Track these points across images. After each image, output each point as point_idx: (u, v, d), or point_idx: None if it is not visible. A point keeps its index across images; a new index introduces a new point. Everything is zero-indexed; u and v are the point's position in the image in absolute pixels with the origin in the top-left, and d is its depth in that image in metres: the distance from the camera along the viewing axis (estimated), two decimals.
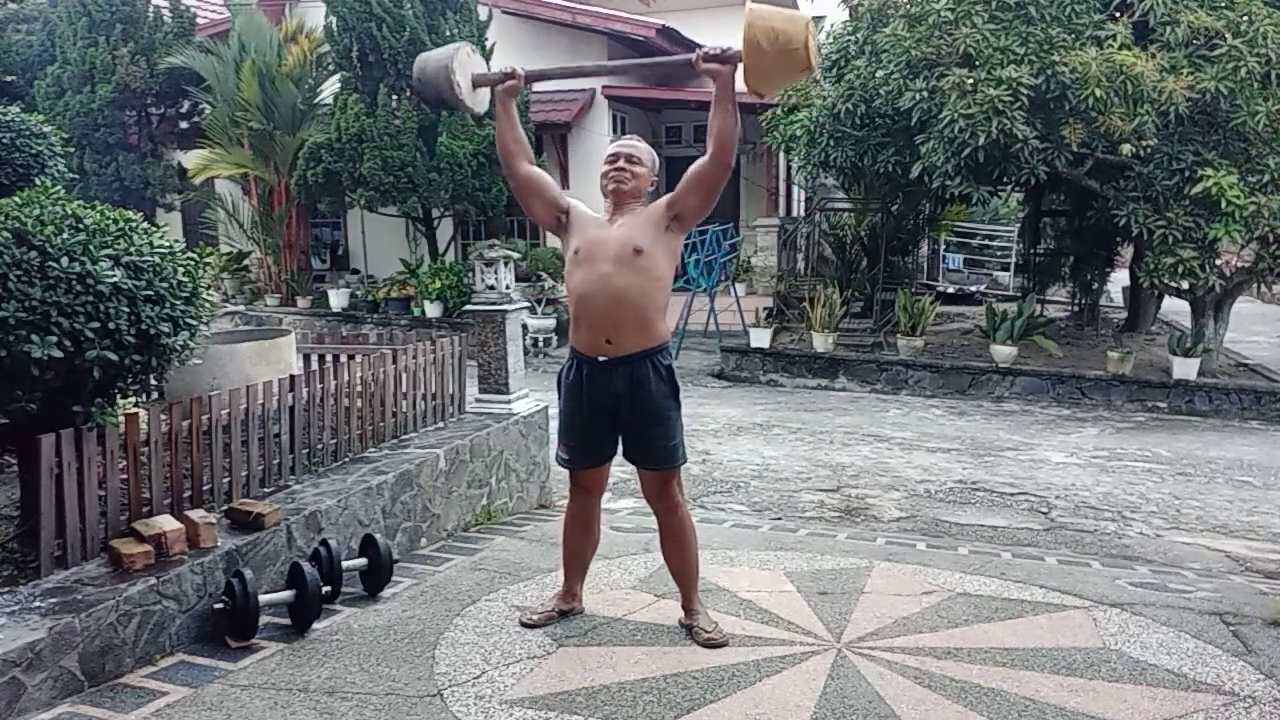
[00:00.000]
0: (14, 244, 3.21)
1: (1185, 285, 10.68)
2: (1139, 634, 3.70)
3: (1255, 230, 9.56)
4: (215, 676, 3.29)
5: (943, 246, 17.15)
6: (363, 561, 4.08)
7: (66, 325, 3.21)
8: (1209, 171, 9.30)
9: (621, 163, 3.51)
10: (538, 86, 13.84)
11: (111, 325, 3.31)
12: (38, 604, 3.16)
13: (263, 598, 3.59)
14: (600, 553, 4.41)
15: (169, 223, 15.10)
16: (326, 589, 3.82)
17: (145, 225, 3.66)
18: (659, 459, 3.51)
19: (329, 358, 5.68)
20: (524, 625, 3.70)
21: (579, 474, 3.69)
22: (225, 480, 4.09)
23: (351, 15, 12.56)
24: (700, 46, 3.52)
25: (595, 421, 3.51)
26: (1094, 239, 12.62)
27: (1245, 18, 9.32)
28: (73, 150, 11.93)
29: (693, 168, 3.50)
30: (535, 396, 6.10)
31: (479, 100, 3.67)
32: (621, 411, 3.45)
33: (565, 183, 15.14)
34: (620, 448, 3.58)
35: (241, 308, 14.70)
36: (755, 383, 11.90)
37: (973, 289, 16.19)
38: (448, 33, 12.76)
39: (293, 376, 4.58)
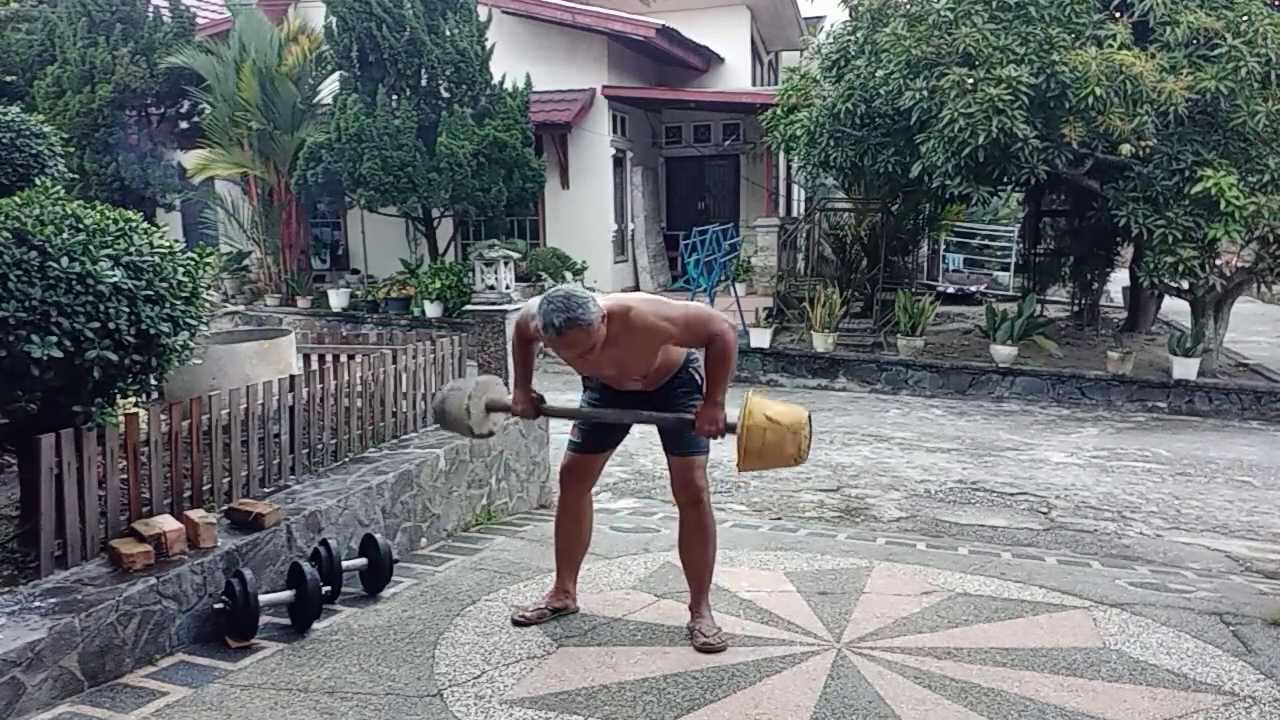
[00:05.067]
0: (14, 244, 3.21)
1: (1185, 285, 10.68)
2: (1139, 634, 3.70)
3: (1255, 230, 9.56)
4: (215, 676, 3.29)
5: (943, 246, 17.13)
6: (363, 561, 4.08)
7: (66, 325, 3.21)
8: (1209, 171, 9.30)
9: (586, 355, 3.23)
10: (537, 85, 13.84)
11: (111, 325, 3.31)
12: (38, 604, 3.17)
13: (263, 598, 3.59)
14: (600, 553, 4.42)
15: (169, 223, 15.10)
16: (326, 589, 3.82)
17: (145, 225, 3.66)
18: (680, 445, 3.59)
19: (329, 358, 5.67)
20: (515, 623, 3.70)
21: (580, 458, 3.74)
22: (225, 480, 4.09)
23: (351, 15, 12.56)
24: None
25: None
26: (1094, 239, 12.61)
27: (1245, 18, 9.31)
28: (73, 150, 11.96)
29: (695, 343, 3.42)
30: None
31: (493, 424, 3.81)
32: (647, 405, 3.61)
33: (565, 182, 15.15)
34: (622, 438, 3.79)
35: (241, 308, 14.69)
36: (755, 383, 11.89)
37: (973, 289, 16.17)
38: (448, 32, 12.77)
39: (293, 376, 4.58)
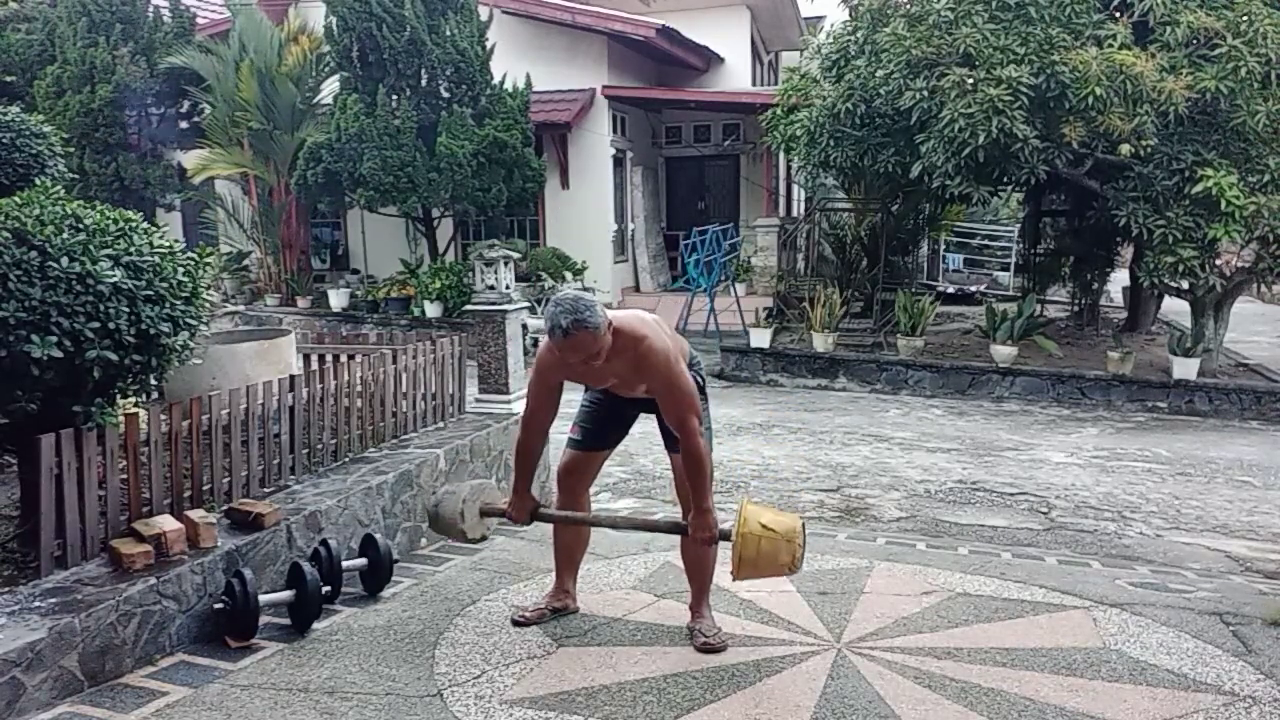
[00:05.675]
0: (14, 244, 3.21)
1: (1185, 285, 10.68)
2: (1139, 634, 3.70)
3: (1255, 230, 9.56)
4: (215, 676, 3.29)
5: (943, 246, 17.14)
6: (363, 561, 4.08)
7: (66, 325, 3.21)
8: (1209, 171, 9.30)
9: (592, 363, 3.27)
10: (537, 85, 13.84)
11: (111, 325, 3.31)
12: (38, 604, 3.17)
13: (263, 598, 3.59)
14: (600, 553, 4.42)
15: (169, 223, 15.09)
16: (326, 589, 3.82)
17: (145, 225, 3.67)
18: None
19: (329, 358, 5.67)
20: (515, 623, 3.71)
21: (579, 456, 3.74)
22: (225, 480, 4.09)
23: (351, 15, 12.56)
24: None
25: (617, 410, 3.69)
26: (1094, 239, 12.60)
27: (1245, 18, 9.31)
28: (73, 150, 11.95)
29: (666, 413, 3.42)
30: None
31: (487, 528, 3.84)
32: (649, 406, 3.62)
33: (565, 182, 15.15)
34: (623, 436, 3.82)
35: (241, 308, 14.69)
36: (755, 383, 11.90)
37: (973, 289, 16.17)
38: (448, 32, 12.76)
39: (293, 376, 4.58)
